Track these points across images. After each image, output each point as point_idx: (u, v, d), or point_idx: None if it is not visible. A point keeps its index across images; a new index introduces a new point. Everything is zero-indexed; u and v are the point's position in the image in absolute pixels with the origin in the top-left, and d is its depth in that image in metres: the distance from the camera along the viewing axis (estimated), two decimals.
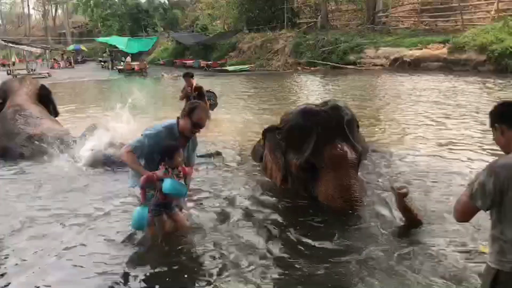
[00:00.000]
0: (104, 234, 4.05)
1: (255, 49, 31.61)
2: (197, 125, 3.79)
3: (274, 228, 4.06)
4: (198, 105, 3.89)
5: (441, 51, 20.37)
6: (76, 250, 3.77)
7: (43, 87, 8.10)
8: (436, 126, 8.52)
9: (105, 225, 4.29)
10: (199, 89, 8.85)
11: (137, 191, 3.71)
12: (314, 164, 4.41)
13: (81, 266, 3.53)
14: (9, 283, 3.26)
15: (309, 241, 3.76)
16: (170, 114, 4.60)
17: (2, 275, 3.39)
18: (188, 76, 9.08)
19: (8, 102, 7.51)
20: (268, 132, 5.10)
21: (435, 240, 3.70)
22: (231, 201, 4.79)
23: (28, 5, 77.73)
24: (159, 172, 3.56)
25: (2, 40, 26.84)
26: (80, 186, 5.50)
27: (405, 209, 3.84)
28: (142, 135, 3.79)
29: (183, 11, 49.58)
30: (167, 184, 3.47)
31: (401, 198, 3.77)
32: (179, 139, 3.81)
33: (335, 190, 4.25)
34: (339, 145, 4.35)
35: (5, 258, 3.65)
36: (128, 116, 7.32)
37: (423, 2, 27.83)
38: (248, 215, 4.43)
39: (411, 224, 3.90)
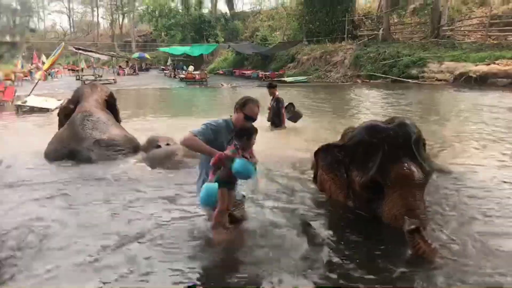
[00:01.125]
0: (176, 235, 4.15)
1: (314, 60, 31.50)
2: (249, 118, 3.91)
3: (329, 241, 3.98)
4: (249, 98, 4.01)
5: (511, 67, 19.41)
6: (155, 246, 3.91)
7: (111, 95, 8.44)
8: (502, 145, 8.08)
9: (176, 225, 4.39)
10: (277, 99, 9.39)
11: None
12: (379, 183, 4.28)
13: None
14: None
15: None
16: None
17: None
18: (271, 87, 9.66)
19: (78, 107, 7.88)
20: (322, 152, 5.00)
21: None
22: (288, 211, 4.77)
23: (97, 14, 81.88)
24: (228, 152, 3.62)
25: (73, 47, 28.34)
26: (148, 187, 5.65)
27: (417, 245, 3.63)
28: (203, 125, 3.88)
29: (244, 22, 50.33)
30: (239, 164, 3.53)
31: (412, 235, 3.60)
32: (233, 132, 3.92)
33: (400, 210, 4.10)
34: (406, 164, 4.20)
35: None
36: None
37: (492, 16, 26.68)
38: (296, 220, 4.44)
39: (427, 256, 3.66)
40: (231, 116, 4.02)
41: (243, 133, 3.69)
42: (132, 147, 7.46)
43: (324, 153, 4.94)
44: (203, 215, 4.28)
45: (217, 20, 50.47)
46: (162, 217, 4.60)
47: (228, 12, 54.93)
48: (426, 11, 29.89)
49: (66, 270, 3.54)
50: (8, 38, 77.12)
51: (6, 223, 4.41)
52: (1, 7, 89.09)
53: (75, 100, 8.04)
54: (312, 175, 5.39)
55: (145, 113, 14.44)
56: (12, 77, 28.10)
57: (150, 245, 3.92)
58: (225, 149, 3.75)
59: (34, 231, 4.24)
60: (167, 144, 7.38)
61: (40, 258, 3.75)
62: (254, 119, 3.95)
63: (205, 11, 54.18)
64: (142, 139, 7.76)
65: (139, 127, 10.41)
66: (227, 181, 3.73)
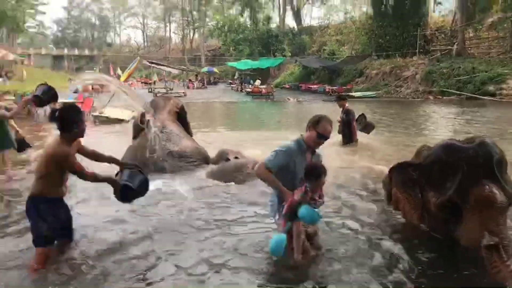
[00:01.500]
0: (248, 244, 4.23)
1: (384, 75, 30.93)
2: (322, 137, 3.87)
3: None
4: (322, 116, 3.96)
5: None
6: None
7: (182, 108, 8.74)
8: None
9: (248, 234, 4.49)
10: (347, 111, 9.36)
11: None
12: (457, 204, 4.12)
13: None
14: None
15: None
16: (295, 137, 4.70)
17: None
18: (341, 99, 9.73)
19: (152, 118, 8.23)
20: (396, 170, 4.87)
21: None
22: (359, 229, 4.70)
23: (169, 30, 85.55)
24: (297, 196, 3.60)
25: (147, 61, 29.74)
26: (221, 197, 5.82)
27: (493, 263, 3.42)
28: (273, 152, 3.90)
29: (311, 37, 50.43)
30: (305, 212, 3.51)
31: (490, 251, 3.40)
32: (306, 152, 3.91)
33: (480, 234, 3.91)
34: (488, 186, 4.01)
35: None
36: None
37: None
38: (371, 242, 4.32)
39: (504, 279, 3.38)
40: (302, 135, 4.00)
41: (312, 174, 3.65)
42: (203, 159, 7.68)
43: (399, 171, 4.82)
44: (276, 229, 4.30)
45: (285, 34, 50.96)
46: (234, 231, 4.69)
47: (295, 26, 55.34)
48: (505, 25, 28.50)
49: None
50: (87, 52, 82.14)
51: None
52: (82, 22, 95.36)
53: (150, 112, 8.41)
54: (385, 193, 5.28)
55: (214, 125, 14.82)
56: (90, 88, 29.77)
57: (225, 262, 4.00)
58: (298, 175, 3.76)
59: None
60: (236, 158, 7.54)
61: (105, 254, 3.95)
62: (327, 137, 3.91)
63: (272, 26, 54.95)
64: (210, 151, 7.99)
65: (207, 139, 10.69)
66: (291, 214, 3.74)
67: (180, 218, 5.08)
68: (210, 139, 10.98)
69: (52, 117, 3.55)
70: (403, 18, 33.08)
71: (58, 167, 3.51)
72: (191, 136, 8.64)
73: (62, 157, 3.46)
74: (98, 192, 5.63)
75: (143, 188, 4.07)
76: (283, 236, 3.56)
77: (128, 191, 3.94)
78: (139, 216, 5.13)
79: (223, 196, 5.94)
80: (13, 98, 17.01)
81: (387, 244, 4.35)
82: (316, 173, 3.65)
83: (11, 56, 34.21)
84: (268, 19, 54.46)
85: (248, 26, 55.25)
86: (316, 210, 3.59)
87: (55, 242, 3.79)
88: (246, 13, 59.85)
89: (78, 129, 3.58)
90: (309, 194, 3.60)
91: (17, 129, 7.78)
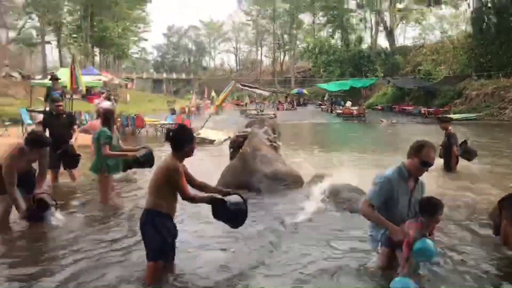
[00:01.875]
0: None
1: (485, 96, 29.16)
2: (426, 164, 3.72)
3: None
4: (425, 142, 3.81)
5: None
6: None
7: (275, 130, 8.91)
8: None
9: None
10: (449, 135, 9.09)
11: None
12: None
13: None
14: None
15: None
16: (393, 161, 4.52)
17: None
18: (443, 121, 9.58)
19: (248, 141, 8.49)
20: (507, 201, 4.55)
21: None
22: (464, 263, 4.42)
23: (261, 53, 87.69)
24: (413, 233, 3.42)
25: (240, 84, 30.71)
26: (318, 222, 5.80)
27: None
28: (374, 184, 3.81)
29: (405, 57, 49.02)
30: (424, 248, 3.32)
31: None
32: (408, 180, 3.77)
33: None
34: None
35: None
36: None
37: None
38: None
39: None
40: (403, 162, 3.87)
41: (428, 209, 3.49)
42: (296, 181, 7.74)
43: (510, 202, 4.52)
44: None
45: (377, 55, 50.08)
46: (333, 255, 4.67)
47: (388, 47, 54.20)
48: None
49: None
50: (183, 75, 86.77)
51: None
52: (180, 47, 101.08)
53: (246, 134, 8.70)
54: (493, 226, 4.96)
55: (304, 147, 14.82)
56: (186, 110, 31.33)
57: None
58: (402, 205, 3.65)
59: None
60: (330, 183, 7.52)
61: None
62: (430, 164, 3.75)
63: (364, 46, 54.30)
64: (301, 173, 8.05)
65: (298, 161, 10.74)
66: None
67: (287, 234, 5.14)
68: (301, 161, 11.03)
69: (167, 137, 3.81)
70: (508, 35, 31.05)
71: (168, 181, 3.68)
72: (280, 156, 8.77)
73: (173, 170, 3.65)
74: (192, 211, 5.83)
75: (240, 213, 4.03)
76: (407, 280, 3.35)
77: (229, 213, 3.94)
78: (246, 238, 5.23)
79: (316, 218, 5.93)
80: (119, 119, 18.37)
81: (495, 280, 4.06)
82: (432, 208, 3.49)
83: (116, 80, 37.04)
84: (360, 39, 53.96)
85: (339, 47, 55.08)
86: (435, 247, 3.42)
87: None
88: (337, 35, 59.82)
89: (188, 148, 3.80)
90: (423, 229, 3.44)
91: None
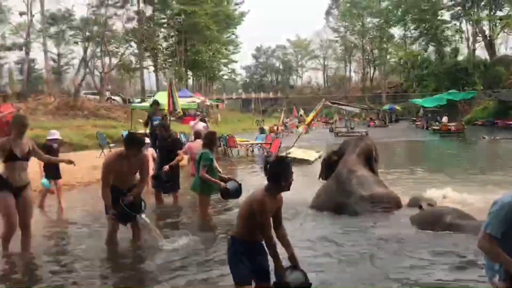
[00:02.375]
0: None
1: None
2: None
3: None
4: None
5: None
6: None
7: (372, 150, 8.57)
8: None
9: None
10: None
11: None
12: None
13: None
14: None
15: None
16: (501, 182, 4.10)
17: None
18: None
19: (343, 160, 8.30)
20: None
21: None
22: None
23: (350, 69, 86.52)
24: None
25: (329, 101, 30.48)
26: (418, 248, 5.52)
27: None
28: (491, 214, 3.44)
29: (508, 68, 45.73)
30: None
31: None
32: None
33: None
34: None
35: None
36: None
37: None
38: None
39: None
40: None
41: None
42: (394, 204, 7.43)
43: None
44: None
45: (475, 66, 47.24)
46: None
47: (487, 57, 50.95)
48: None
49: None
50: (271, 94, 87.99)
51: None
52: (268, 67, 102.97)
53: (340, 153, 8.53)
54: None
55: (400, 166, 14.25)
56: (275, 129, 31.64)
57: None
58: None
59: None
60: (429, 205, 7.13)
61: None
62: None
63: (460, 58, 51.55)
64: (400, 195, 7.77)
65: (395, 181, 10.35)
66: None
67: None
68: (397, 181, 10.61)
69: (264, 168, 3.76)
70: None
71: (253, 216, 3.60)
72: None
73: (258, 208, 3.55)
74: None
75: None
76: None
77: None
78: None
79: (417, 244, 5.63)
80: None
81: None
82: None
83: (208, 102, 38.44)
84: (456, 51, 51.42)
85: (433, 60, 52.85)
86: None
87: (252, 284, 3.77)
88: (431, 48, 57.46)
89: (285, 182, 3.70)
90: None
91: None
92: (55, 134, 8.40)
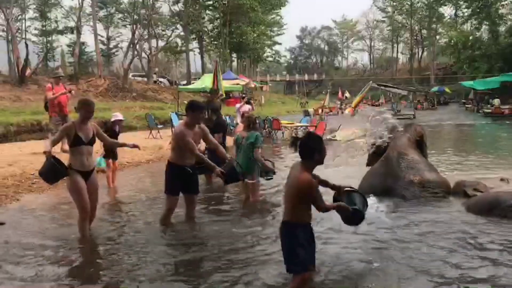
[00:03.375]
0: None
1: None
2: None
3: None
4: None
5: None
6: None
7: (422, 136, 8.39)
8: None
9: None
10: None
11: None
12: None
13: None
14: None
15: None
16: None
17: None
18: None
19: (391, 145, 8.17)
20: None
21: None
22: None
23: (397, 50, 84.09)
24: None
25: (375, 83, 29.82)
26: (477, 233, 5.37)
27: None
28: None
29: None
30: None
31: None
32: None
33: None
34: None
35: None
36: None
37: None
38: None
39: None
40: None
41: None
42: (446, 190, 7.24)
43: None
44: None
45: None
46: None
47: None
48: None
49: None
50: (315, 76, 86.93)
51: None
52: (312, 49, 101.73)
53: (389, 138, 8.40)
54: None
55: (450, 150, 13.86)
56: (320, 111, 31.29)
57: None
58: None
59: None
60: (475, 189, 6.92)
61: None
62: None
63: None
64: (450, 180, 7.54)
65: (445, 166, 10.08)
66: None
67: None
68: (448, 166, 10.32)
69: (293, 144, 3.75)
70: None
71: (302, 197, 3.55)
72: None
73: (306, 187, 3.50)
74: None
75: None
76: None
77: (356, 215, 3.97)
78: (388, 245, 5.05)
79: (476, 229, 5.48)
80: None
81: None
82: None
83: (252, 84, 38.40)
84: (511, 31, 48.80)
85: (486, 40, 50.56)
86: None
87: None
88: (484, 27, 54.91)
89: (319, 156, 3.65)
90: None
91: None
92: (119, 116, 8.59)
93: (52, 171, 5.15)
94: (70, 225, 5.87)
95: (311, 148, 3.61)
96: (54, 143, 5.36)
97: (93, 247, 5.31)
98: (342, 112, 35.98)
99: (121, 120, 8.48)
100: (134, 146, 6.08)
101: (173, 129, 16.70)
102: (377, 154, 8.47)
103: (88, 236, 5.37)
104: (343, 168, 10.24)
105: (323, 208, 3.62)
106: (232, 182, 5.90)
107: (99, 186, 5.65)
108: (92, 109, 5.37)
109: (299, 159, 3.66)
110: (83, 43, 55.41)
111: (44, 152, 5.11)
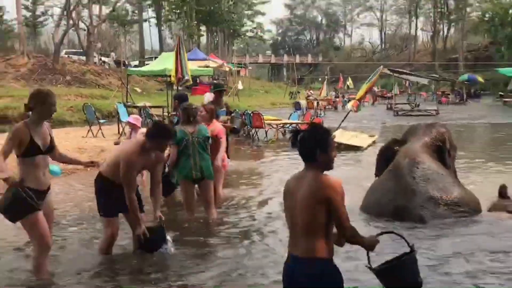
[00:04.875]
0: None
1: None
2: None
3: None
4: None
5: None
6: None
7: (445, 141, 8.44)
8: None
9: None
10: None
11: None
12: None
13: None
14: None
15: None
16: None
17: None
18: None
19: (403, 149, 8.22)
20: None
21: None
22: None
23: (415, 26, 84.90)
24: None
25: (387, 69, 30.05)
26: None
27: None
28: None
29: None
30: None
31: None
32: None
33: None
34: None
35: None
36: None
37: None
38: None
39: None
40: None
41: None
42: (474, 208, 7.35)
43: None
44: None
45: None
46: None
47: None
48: None
49: None
50: (309, 58, 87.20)
51: None
52: (305, 22, 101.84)
53: (404, 140, 8.45)
54: None
55: (483, 159, 14.01)
56: (315, 104, 31.43)
57: None
58: None
59: None
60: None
61: None
62: None
63: None
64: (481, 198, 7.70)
65: (475, 179, 10.19)
66: None
67: None
68: (479, 180, 10.45)
69: (294, 141, 3.60)
70: None
71: (329, 207, 3.49)
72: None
73: (336, 191, 3.29)
74: None
75: None
76: None
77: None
78: None
79: None
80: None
81: None
82: None
83: (226, 67, 38.43)
84: None
85: None
86: None
87: None
88: None
89: (325, 157, 3.53)
90: None
91: None
92: None
93: (22, 205, 4.74)
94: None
95: (314, 144, 3.45)
96: (5, 156, 4.75)
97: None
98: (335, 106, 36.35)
99: None
100: (91, 163, 5.98)
101: (120, 125, 16.64)
102: (384, 160, 8.47)
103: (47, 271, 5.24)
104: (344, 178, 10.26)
105: (351, 230, 3.39)
106: (149, 251, 5.80)
107: None
108: (55, 102, 5.02)
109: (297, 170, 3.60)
110: (0, 8, 54.68)
111: (6, 180, 4.66)
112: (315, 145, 3.40)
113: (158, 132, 5.57)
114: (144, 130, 8.65)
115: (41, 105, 4.83)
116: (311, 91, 39.10)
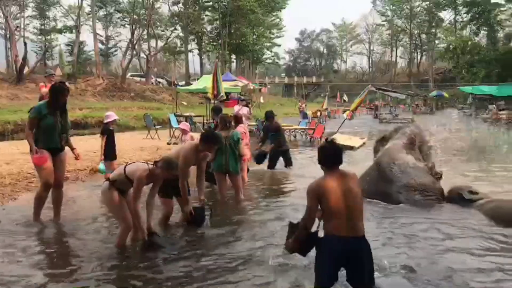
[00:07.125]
0: None
1: None
2: None
3: None
4: None
5: None
6: None
7: (423, 142, 8.49)
8: None
9: None
10: None
11: None
12: None
13: None
14: None
15: None
16: None
17: None
18: None
19: (385, 148, 8.26)
20: None
21: None
22: None
23: (396, 54, 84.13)
24: None
25: (374, 87, 29.89)
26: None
27: None
28: None
29: None
30: None
31: None
32: None
33: None
34: None
35: None
36: None
37: None
38: None
39: None
40: None
41: None
42: (439, 194, 7.31)
43: None
44: None
45: None
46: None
47: None
48: None
49: None
50: (314, 79, 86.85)
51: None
52: (311, 51, 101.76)
53: (389, 138, 8.60)
54: None
55: (447, 156, 13.87)
56: (318, 114, 31.33)
57: None
58: None
59: None
60: (471, 192, 6.99)
61: None
62: None
63: None
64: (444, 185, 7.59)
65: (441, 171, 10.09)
66: None
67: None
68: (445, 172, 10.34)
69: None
70: None
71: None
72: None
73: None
74: None
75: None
76: None
77: None
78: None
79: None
80: (254, 123, 19.08)
81: None
82: None
83: (251, 86, 38.37)
84: (510, 37, 49.12)
85: (484, 46, 50.78)
86: None
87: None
88: (482, 32, 55.21)
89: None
90: None
91: None
92: (114, 116, 8.56)
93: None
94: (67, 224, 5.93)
95: (325, 156, 3.80)
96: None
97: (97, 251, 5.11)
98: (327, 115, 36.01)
99: (114, 120, 8.52)
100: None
101: (171, 129, 16.79)
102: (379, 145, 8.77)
103: None
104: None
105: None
106: (194, 225, 5.91)
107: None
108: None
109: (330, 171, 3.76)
110: (81, 43, 55.45)
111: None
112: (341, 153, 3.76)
113: (211, 138, 5.80)
114: (192, 134, 8.84)
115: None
116: (304, 104, 38.79)
